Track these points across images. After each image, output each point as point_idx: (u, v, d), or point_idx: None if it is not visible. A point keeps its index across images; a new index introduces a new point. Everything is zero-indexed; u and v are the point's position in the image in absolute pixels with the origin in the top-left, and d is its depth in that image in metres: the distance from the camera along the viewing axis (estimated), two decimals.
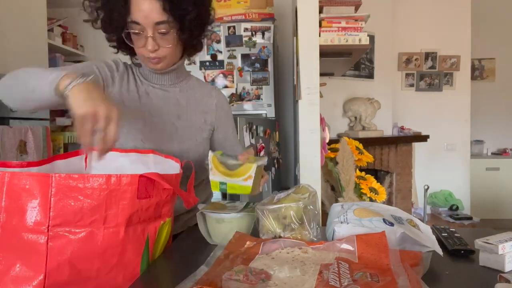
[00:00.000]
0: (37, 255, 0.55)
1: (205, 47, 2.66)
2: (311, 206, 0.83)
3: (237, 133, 1.32)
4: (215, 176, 0.89)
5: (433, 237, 0.81)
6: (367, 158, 2.06)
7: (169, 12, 0.95)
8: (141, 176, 0.62)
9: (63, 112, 2.84)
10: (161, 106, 1.12)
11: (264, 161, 0.92)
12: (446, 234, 0.86)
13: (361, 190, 1.91)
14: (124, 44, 1.06)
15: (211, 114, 1.20)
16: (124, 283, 0.63)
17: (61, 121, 2.81)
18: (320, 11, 2.15)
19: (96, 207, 0.58)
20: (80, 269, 0.58)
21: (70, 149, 2.84)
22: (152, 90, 1.12)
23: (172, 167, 0.85)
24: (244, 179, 0.86)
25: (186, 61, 2.60)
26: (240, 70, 2.72)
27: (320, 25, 2.11)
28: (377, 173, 3.46)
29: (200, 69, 2.70)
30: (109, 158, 0.82)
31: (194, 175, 0.86)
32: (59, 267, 0.56)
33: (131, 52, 1.09)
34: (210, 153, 0.92)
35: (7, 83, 0.90)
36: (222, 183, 0.89)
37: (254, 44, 2.70)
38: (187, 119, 1.14)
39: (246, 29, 2.69)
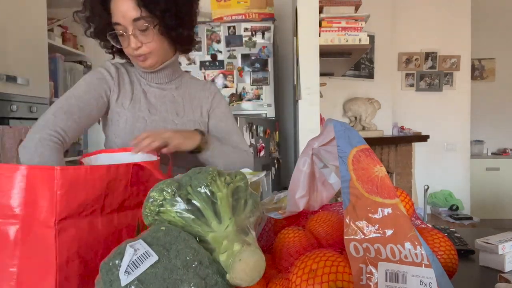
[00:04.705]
0: (47, 250, 0.55)
1: (204, 47, 2.68)
2: None
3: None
4: None
5: None
6: None
7: (143, 8, 0.97)
8: (134, 165, 0.66)
9: None
10: (160, 104, 1.14)
11: (259, 176, 0.83)
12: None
13: None
14: (118, 49, 1.09)
15: (206, 105, 1.21)
16: None
17: None
18: (320, 11, 2.15)
19: (98, 197, 0.60)
20: (87, 260, 0.59)
21: (70, 149, 2.84)
22: (149, 89, 1.15)
23: (150, 157, 0.91)
24: None
25: (186, 61, 2.63)
26: (240, 70, 2.72)
27: (320, 25, 2.12)
28: None
29: (200, 69, 2.70)
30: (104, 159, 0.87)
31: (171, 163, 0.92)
32: (68, 261, 0.57)
33: (126, 56, 1.12)
34: None
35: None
36: None
37: (254, 44, 2.70)
38: (185, 116, 1.17)
39: (246, 29, 2.69)
